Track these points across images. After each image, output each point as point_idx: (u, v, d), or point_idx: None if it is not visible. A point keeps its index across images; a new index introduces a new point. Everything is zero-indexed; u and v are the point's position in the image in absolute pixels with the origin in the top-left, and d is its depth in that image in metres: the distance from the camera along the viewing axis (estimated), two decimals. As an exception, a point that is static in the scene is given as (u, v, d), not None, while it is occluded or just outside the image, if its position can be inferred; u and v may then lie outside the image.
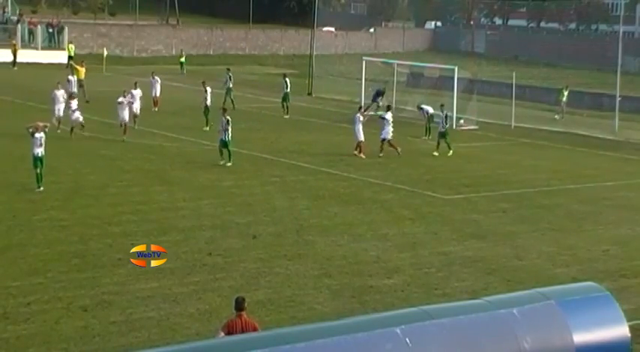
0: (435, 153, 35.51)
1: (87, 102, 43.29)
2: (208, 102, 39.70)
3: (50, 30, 71.29)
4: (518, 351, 12.23)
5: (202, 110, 39.36)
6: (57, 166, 29.46)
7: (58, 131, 35.69)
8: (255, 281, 19.31)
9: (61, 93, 37.15)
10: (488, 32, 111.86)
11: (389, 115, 35.16)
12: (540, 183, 31.57)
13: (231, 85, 45.64)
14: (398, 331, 11.64)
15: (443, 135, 35.69)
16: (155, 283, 18.53)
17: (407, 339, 11.58)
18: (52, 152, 29.85)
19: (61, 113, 36.90)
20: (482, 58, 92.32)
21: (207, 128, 38.00)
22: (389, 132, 34.76)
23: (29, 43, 69.59)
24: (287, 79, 46.03)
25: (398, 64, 54.94)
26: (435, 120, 38.88)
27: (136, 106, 39.14)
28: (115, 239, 21.77)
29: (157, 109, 44.36)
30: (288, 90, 45.88)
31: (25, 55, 65.63)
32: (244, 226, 23.75)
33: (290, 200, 27.13)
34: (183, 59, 68.66)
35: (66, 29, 71.99)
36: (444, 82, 50.66)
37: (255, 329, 12.65)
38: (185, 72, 66.48)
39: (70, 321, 16.47)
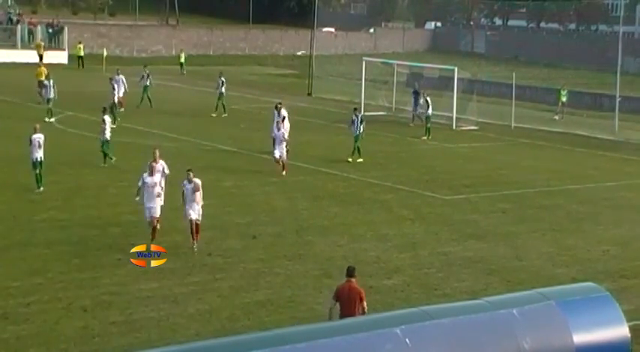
0: (349, 160, 33.57)
1: (39, 103, 42.98)
2: (116, 98, 40.08)
3: (50, 30, 71.33)
4: (518, 351, 12.24)
5: (110, 105, 38.53)
6: (57, 166, 29.45)
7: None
8: (255, 281, 19.32)
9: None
10: (488, 32, 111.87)
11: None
12: (540, 184, 31.57)
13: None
14: (398, 331, 11.65)
15: (356, 139, 33.64)
16: (155, 283, 18.54)
17: (407, 339, 11.59)
18: (53, 152, 29.87)
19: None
20: (482, 59, 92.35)
21: (114, 125, 38.13)
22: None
23: (29, 43, 69.64)
24: (222, 78, 45.28)
25: (398, 65, 54.95)
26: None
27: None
28: (114, 239, 21.78)
29: (122, 110, 42.49)
30: (223, 89, 45.12)
31: (25, 56, 65.66)
32: (244, 226, 23.75)
33: (290, 200, 27.13)
34: (183, 59, 68.66)
35: (65, 29, 72.02)
36: (443, 83, 50.65)
37: (360, 295, 14.23)
38: (185, 72, 66.50)
39: (70, 321, 16.47)
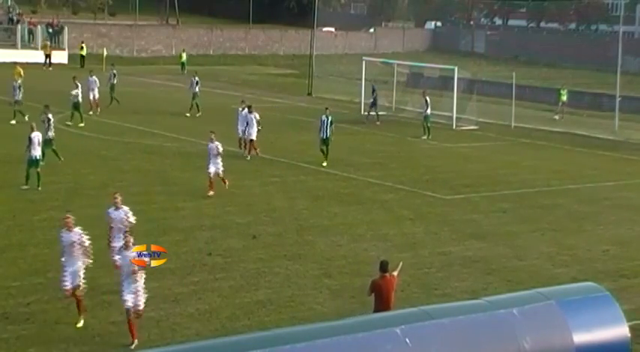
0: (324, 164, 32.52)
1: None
2: (79, 98, 39.36)
3: (50, 30, 71.36)
4: (518, 351, 12.23)
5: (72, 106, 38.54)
6: (57, 166, 29.45)
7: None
8: (255, 281, 19.31)
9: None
10: (488, 32, 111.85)
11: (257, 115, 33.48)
12: (540, 184, 31.57)
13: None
14: (398, 331, 11.65)
15: (326, 142, 32.52)
16: (155, 283, 18.49)
17: (407, 339, 11.58)
18: (50, 152, 29.89)
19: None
20: (482, 58, 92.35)
21: (83, 124, 38.28)
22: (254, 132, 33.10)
23: (29, 43, 69.67)
24: (196, 78, 44.94)
25: (398, 64, 54.96)
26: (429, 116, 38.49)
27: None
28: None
29: (98, 112, 42.19)
30: (197, 89, 44.80)
31: (25, 55, 65.68)
32: (244, 226, 23.75)
33: (290, 200, 27.13)
34: (184, 59, 68.67)
35: (66, 29, 72.05)
36: (443, 82, 50.66)
37: (393, 287, 15.02)
38: (186, 72, 66.51)
39: (70, 321, 16.45)
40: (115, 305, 17.30)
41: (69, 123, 37.98)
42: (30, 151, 26.64)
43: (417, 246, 22.69)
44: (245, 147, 33.46)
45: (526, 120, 47.37)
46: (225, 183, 27.28)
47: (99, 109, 42.55)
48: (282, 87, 61.38)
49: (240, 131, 33.57)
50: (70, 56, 69.35)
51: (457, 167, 34.18)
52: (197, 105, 44.07)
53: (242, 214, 25.07)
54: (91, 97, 42.17)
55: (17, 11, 74.97)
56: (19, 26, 69.95)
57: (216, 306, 17.62)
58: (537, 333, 12.42)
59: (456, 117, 44.84)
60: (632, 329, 13.55)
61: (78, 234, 16.52)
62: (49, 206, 24.89)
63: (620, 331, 13.06)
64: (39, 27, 70.60)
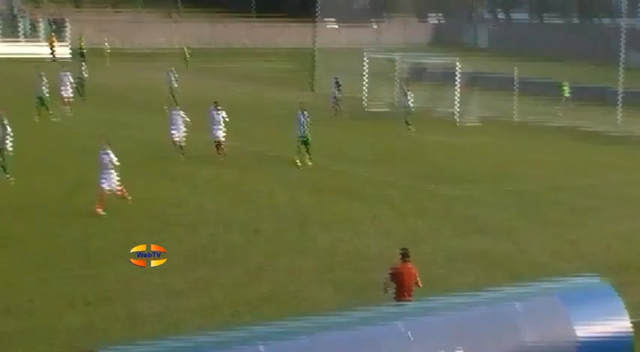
0: (298, 162, 31.34)
1: None
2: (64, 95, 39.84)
3: (53, 24, 71.36)
4: (521, 344, 12.27)
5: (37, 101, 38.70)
6: (59, 162, 29.49)
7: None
8: (258, 276, 19.34)
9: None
10: (491, 26, 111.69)
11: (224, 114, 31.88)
12: (543, 178, 31.56)
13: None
14: (400, 325, 11.68)
15: (305, 140, 31.29)
16: (158, 279, 18.55)
17: (409, 333, 11.62)
18: (53, 147, 29.93)
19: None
20: (484, 52, 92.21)
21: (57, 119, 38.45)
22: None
23: (32, 37, 69.71)
24: (174, 74, 45.35)
25: (400, 58, 54.86)
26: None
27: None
28: (117, 234, 21.80)
29: (69, 110, 40.95)
30: (175, 83, 44.98)
31: (27, 49, 65.73)
32: (246, 221, 23.77)
33: (292, 195, 27.14)
34: (187, 53, 68.60)
35: (68, 23, 72.02)
36: (446, 76, 50.60)
37: (415, 275, 15.41)
38: (189, 66, 66.45)
39: (74, 316, 16.51)
40: (118, 300, 17.36)
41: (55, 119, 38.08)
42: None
43: (419, 241, 22.67)
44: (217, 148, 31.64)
45: (529, 115, 47.31)
46: (126, 197, 23.95)
47: (69, 106, 41.12)
48: (284, 81, 61.34)
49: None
50: (73, 51, 69.30)
51: (460, 161, 34.16)
52: (174, 98, 43.58)
53: (244, 209, 25.09)
54: (63, 93, 41.08)
55: (20, 5, 75.03)
56: (21, 20, 70.01)
57: (220, 302, 17.66)
58: (539, 327, 12.45)
59: (459, 112, 44.82)
60: (635, 323, 13.55)
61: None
62: (53, 201, 24.91)
63: (623, 324, 13.09)
64: (41, 21, 70.62)
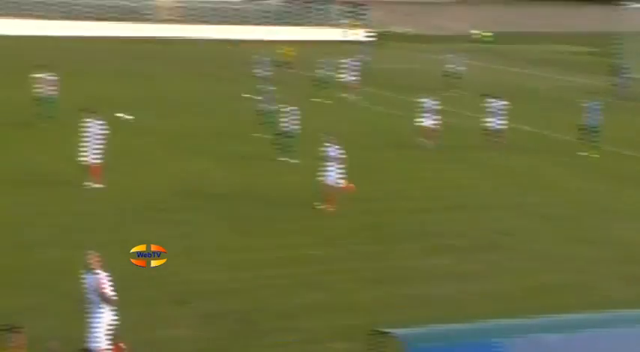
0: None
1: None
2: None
3: (354, 9, 73.36)
4: None
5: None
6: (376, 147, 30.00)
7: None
8: (545, 263, 18.90)
9: None
10: None
11: None
12: None
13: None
14: None
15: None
16: (445, 260, 18.65)
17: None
18: (349, 128, 30.40)
19: None
20: None
21: None
22: None
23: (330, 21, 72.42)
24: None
25: None
26: None
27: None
28: (408, 214, 22.03)
29: (353, 95, 39.92)
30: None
31: (323, 34, 68.54)
32: (534, 206, 23.32)
33: (584, 182, 26.30)
34: (484, 37, 68.06)
35: (367, 7, 73.76)
36: None
37: None
38: (486, 49, 65.30)
39: (365, 292, 16.87)
40: (408, 279, 17.56)
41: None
42: None
43: None
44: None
45: None
46: (351, 190, 21.90)
47: (354, 93, 39.91)
48: (579, 66, 59.15)
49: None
50: (369, 35, 70.68)
51: None
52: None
53: (532, 194, 24.63)
54: (348, 78, 40.57)
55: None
56: (327, 6, 72.94)
57: (505, 287, 17.43)
58: None
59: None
60: None
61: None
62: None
63: None
64: (337, 6, 73.08)
